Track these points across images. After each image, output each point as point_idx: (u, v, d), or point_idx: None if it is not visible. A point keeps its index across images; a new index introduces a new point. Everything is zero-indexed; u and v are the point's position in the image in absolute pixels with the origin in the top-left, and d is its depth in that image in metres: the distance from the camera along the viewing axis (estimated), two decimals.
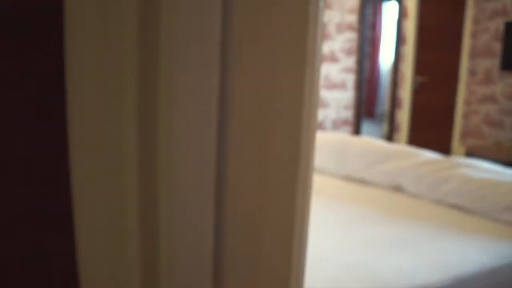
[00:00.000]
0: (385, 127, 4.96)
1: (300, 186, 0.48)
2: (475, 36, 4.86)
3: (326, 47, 4.32)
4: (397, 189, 2.25)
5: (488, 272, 1.63)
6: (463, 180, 2.01)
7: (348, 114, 4.60)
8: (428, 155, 2.29)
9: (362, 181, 2.40)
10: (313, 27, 0.44)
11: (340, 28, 4.33)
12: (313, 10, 0.44)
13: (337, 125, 4.57)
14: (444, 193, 2.06)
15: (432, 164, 2.17)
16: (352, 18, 4.36)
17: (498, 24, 4.54)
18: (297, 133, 0.46)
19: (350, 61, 4.46)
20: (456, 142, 5.08)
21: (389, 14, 5.93)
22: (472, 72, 4.94)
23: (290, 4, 0.43)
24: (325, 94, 4.44)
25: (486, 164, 2.17)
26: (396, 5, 4.60)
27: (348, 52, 4.43)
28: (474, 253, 1.68)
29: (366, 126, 5.33)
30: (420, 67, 4.69)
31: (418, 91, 4.74)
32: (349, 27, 4.37)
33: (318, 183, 2.40)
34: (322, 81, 4.39)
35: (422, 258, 1.64)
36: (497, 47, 4.51)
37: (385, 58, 6.04)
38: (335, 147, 2.57)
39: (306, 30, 0.44)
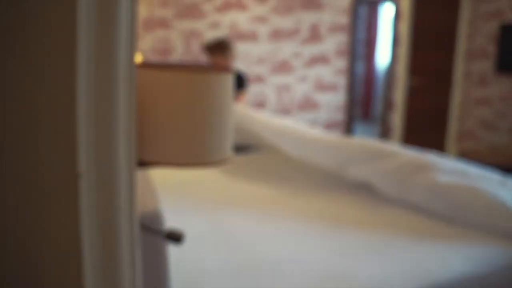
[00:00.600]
0: (379, 130, 4.90)
1: None
2: (470, 38, 4.80)
3: (317, 48, 4.27)
4: (368, 190, 2.20)
5: (466, 279, 1.57)
6: (431, 186, 1.96)
7: (340, 116, 4.54)
8: (402, 154, 2.18)
9: (336, 180, 2.33)
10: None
11: (331, 29, 4.28)
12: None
13: (328, 127, 4.51)
14: (416, 199, 2.01)
15: (405, 167, 2.09)
16: (344, 19, 4.30)
17: (493, 26, 4.48)
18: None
19: (342, 63, 4.40)
20: (450, 145, 5.01)
21: (385, 15, 5.88)
22: (467, 74, 4.88)
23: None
24: (316, 95, 4.38)
25: (460, 164, 2.10)
26: (392, 7, 4.54)
27: (340, 54, 4.38)
28: (451, 259, 1.62)
29: (360, 128, 5.27)
30: (414, 69, 4.62)
31: (412, 93, 4.68)
32: (341, 28, 4.32)
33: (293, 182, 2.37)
34: (312, 83, 4.34)
35: (397, 265, 1.59)
36: (492, 49, 4.45)
37: (381, 59, 5.99)
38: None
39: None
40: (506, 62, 4.26)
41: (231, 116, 0.99)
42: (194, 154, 0.92)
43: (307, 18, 4.16)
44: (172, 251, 1.24)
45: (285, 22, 4.09)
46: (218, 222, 1.91)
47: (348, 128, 4.57)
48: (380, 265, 1.59)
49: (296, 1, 4.08)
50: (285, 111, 4.29)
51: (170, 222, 1.29)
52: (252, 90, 4.14)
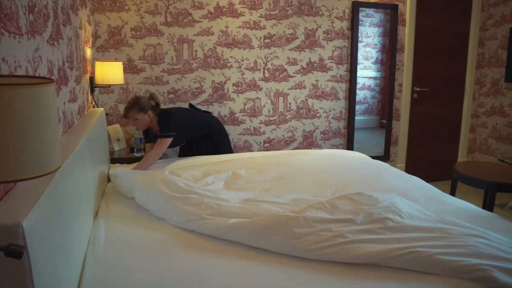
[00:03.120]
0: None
1: None
2: (482, 44, 4.52)
3: (314, 55, 4.15)
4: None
5: None
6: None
7: (340, 125, 4.39)
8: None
9: None
10: None
11: (330, 35, 4.15)
12: None
13: (327, 136, 4.37)
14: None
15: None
16: (343, 25, 4.17)
17: (506, 31, 4.19)
18: None
19: (341, 70, 4.26)
20: (462, 157, 4.72)
21: (385, 21, 5.66)
22: (478, 83, 4.59)
23: None
24: (314, 103, 4.26)
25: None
26: (393, 12, 4.35)
27: (339, 61, 4.24)
28: None
29: (364, 137, 5.08)
30: (419, 77, 4.41)
31: (417, 102, 4.46)
32: (340, 35, 4.18)
33: None
34: (310, 90, 4.22)
35: None
36: (505, 55, 4.16)
37: (384, 66, 5.75)
38: None
39: None
40: None
41: (50, 130, 0.95)
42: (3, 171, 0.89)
43: (303, 24, 4.06)
44: None
45: (279, 28, 4.01)
46: None
47: (349, 137, 4.40)
48: None
49: (291, 7, 3.99)
50: (281, 119, 4.20)
51: None
52: (247, 97, 4.09)
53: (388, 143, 4.54)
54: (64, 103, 2.24)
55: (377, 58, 4.83)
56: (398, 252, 1.79)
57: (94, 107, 3.22)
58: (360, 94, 4.86)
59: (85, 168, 2.12)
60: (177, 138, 3.06)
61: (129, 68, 3.75)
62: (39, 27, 1.79)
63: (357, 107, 4.93)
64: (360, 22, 4.65)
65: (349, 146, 4.41)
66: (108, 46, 3.67)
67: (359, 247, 1.85)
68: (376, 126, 5.46)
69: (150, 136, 3.23)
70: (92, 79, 3.16)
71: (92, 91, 3.18)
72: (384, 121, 4.60)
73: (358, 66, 4.86)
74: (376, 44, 5.44)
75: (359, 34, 4.69)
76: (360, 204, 2.14)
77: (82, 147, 2.07)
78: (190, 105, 3.60)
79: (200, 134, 3.27)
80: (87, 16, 3.14)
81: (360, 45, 4.71)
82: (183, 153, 3.46)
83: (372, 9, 4.47)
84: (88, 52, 3.15)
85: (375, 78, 4.84)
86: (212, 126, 3.35)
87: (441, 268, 1.72)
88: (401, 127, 4.51)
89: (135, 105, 2.94)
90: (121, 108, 3.81)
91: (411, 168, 4.52)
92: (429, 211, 2.24)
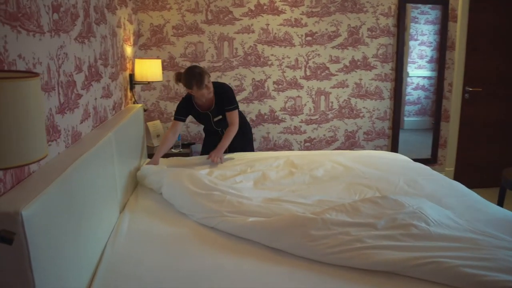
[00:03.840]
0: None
1: None
2: None
3: (358, 53, 4.01)
4: None
5: None
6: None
7: (385, 125, 4.21)
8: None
9: None
10: None
11: (375, 32, 3.99)
12: None
13: (370, 137, 4.21)
14: None
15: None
16: (388, 22, 3.99)
17: None
18: None
19: (387, 68, 4.08)
20: None
21: (435, 17, 5.34)
22: None
23: None
24: (357, 102, 4.12)
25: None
26: (443, 7, 4.10)
27: (384, 59, 4.06)
28: None
29: (415, 139, 4.84)
30: (472, 76, 4.11)
31: (469, 103, 4.16)
32: (385, 32, 4.01)
33: None
34: (352, 89, 4.08)
35: None
36: None
37: (432, 65, 5.43)
38: None
39: None
40: None
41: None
42: None
43: (346, 21, 3.93)
44: None
45: (321, 26, 3.92)
46: None
47: (394, 138, 4.21)
48: None
49: (334, 4, 3.89)
50: (322, 118, 4.11)
51: None
52: (287, 95, 4.04)
53: (436, 145, 4.29)
54: (96, 99, 2.33)
55: (432, 57, 4.58)
56: (417, 261, 1.68)
57: (134, 103, 3.32)
58: (414, 94, 4.65)
59: (111, 162, 2.19)
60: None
61: (171, 66, 3.84)
62: (66, 26, 1.87)
63: (410, 107, 4.71)
64: (415, 20, 4.43)
65: (394, 147, 4.22)
66: (151, 44, 3.78)
67: (377, 253, 1.76)
68: (429, 127, 5.17)
69: (189, 112, 3.09)
70: (132, 76, 3.27)
71: (131, 88, 3.29)
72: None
73: (413, 66, 4.64)
74: (432, 42, 5.15)
75: (414, 32, 4.48)
76: (384, 208, 2.03)
77: (108, 142, 2.14)
78: None
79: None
80: (127, 15, 3.25)
81: (414, 43, 4.50)
82: (208, 147, 3.33)
83: (427, 6, 4.25)
84: (129, 50, 3.26)
85: (429, 77, 4.60)
86: (243, 119, 3.31)
87: (464, 282, 1.59)
88: (451, 129, 4.24)
89: (202, 72, 2.82)
90: (163, 104, 3.91)
91: (461, 172, 4.24)
92: (462, 219, 2.08)
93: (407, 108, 4.70)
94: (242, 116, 3.36)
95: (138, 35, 3.73)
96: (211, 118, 3.09)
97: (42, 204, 1.31)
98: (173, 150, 3.53)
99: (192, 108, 3.05)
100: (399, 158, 3.30)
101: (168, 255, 1.86)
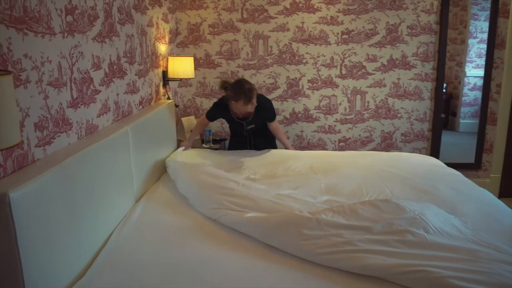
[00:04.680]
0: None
1: None
2: None
3: (397, 52, 3.87)
4: None
5: None
6: None
7: (424, 127, 4.03)
8: None
9: None
10: None
11: (414, 30, 3.83)
12: None
13: (408, 138, 4.06)
14: None
15: None
16: (430, 19, 3.80)
17: None
18: None
19: (427, 68, 3.90)
20: None
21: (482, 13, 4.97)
22: None
23: None
24: (394, 103, 3.99)
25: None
26: (492, 2, 3.83)
27: (425, 58, 3.89)
28: None
29: (466, 142, 4.57)
30: None
31: None
32: (426, 30, 3.83)
33: None
34: (390, 89, 3.95)
35: None
36: None
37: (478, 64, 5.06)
38: None
39: None
40: None
41: None
42: None
43: (384, 18, 3.81)
44: None
45: (358, 23, 3.83)
46: None
47: (434, 140, 4.02)
48: None
49: (371, 1, 3.78)
50: (358, 118, 4.03)
51: None
52: (322, 94, 4.01)
53: (480, 150, 4.04)
54: (118, 94, 2.49)
55: None
56: (406, 268, 1.64)
57: (168, 99, 3.48)
58: (470, 96, 4.41)
59: (126, 153, 2.33)
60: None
61: (207, 63, 3.96)
62: (82, 27, 2.02)
63: (466, 109, 4.47)
64: (475, 16, 4.19)
65: (434, 150, 4.03)
66: (188, 42, 3.93)
67: (366, 257, 1.73)
68: None
69: (221, 116, 3.32)
70: (165, 73, 3.43)
71: (164, 84, 3.45)
72: None
73: (470, 65, 4.39)
74: None
75: (473, 29, 4.23)
76: (383, 212, 1.98)
77: (124, 134, 2.29)
78: None
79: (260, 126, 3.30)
80: (162, 15, 3.41)
81: (473, 41, 4.26)
82: (235, 146, 3.46)
83: (488, 1, 3.99)
84: (163, 48, 3.42)
85: None
86: None
87: None
88: (498, 133, 3.96)
89: (254, 89, 2.98)
90: (198, 101, 4.05)
91: (508, 180, 3.96)
92: (470, 228, 1.97)
93: (463, 110, 4.46)
94: None
95: (175, 33, 3.89)
96: (245, 126, 3.18)
97: (34, 189, 1.45)
98: (203, 145, 3.65)
99: (227, 114, 3.18)
100: (430, 161, 3.16)
101: (164, 246, 1.95)
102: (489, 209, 2.28)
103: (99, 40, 2.22)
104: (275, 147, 3.45)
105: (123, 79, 2.57)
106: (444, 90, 4.59)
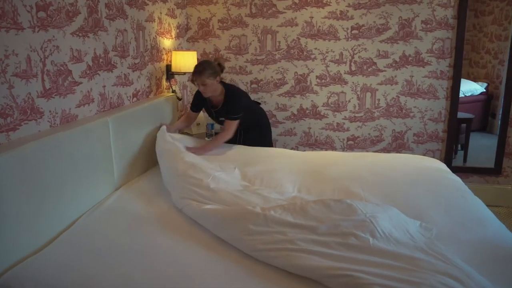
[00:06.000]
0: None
1: None
2: None
3: (410, 48, 3.71)
4: None
5: None
6: None
7: (438, 127, 3.83)
8: None
9: None
10: None
11: (429, 25, 3.64)
12: None
13: (421, 139, 3.88)
14: None
15: None
16: (447, 13, 3.60)
17: None
18: None
19: (443, 65, 3.70)
20: None
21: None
22: None
23: None
24: (407, 101, 3.82)
25: None
26: None
27: (440, 54, 3.69)
28: None
29: (479, 143, 4.29)
30: None
31: None
32: (443, 24, 3.63)
33: None
34: (402, 87, 3.79)
35: None
36: None
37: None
38: None
39: None
40: None
41: None
42: None
43: (397, 13, 3.66)
44: None
45: (369, 18, 3.71)
46: None
47: (449, 142, 3.82)
48: None
49: None
50: (367, 116, 3.91)
51: None
52: (330, 90, 3.94)
53: (500, 154, 3.77)
54: (104, 86, 2.61)
55: None
56: (334, 271, 1.61)
57: (173, 92, 3.58)
58: None
59: (106, 143, 2.45)
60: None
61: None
62: (58, 22, 2.14)
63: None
64: None
65: (449, 152, 3.83)
66: (198, 37, 4.00)
67: (301, 257, 1.72)
68: None
69: (201, 104, 3.22)
70: (169, 66, 3.52)
71: (168, 78, 3.55)
72: None
73: None
74: None
75: None
76: (333, 212, 1.94)
77: (102, 124, 2.40)
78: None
79: (250, 122, 3.28)
80: (167, 10, 3.50)
81: None
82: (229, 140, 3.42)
83: None
84: (167, 42, 3.52)
85: None
86: (262, 117, 3.36)
87: None
88: None
89: (208, 68, 2.89)
90: None
91: None
92: (428, 236, 1.88)
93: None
94: (263, 116, 3.39)
95: (186, 28, 3.98)
96: (217, 116, 3.20)
97: None
98: (206, 138, 3.72)
99: (204, 102, 3.19)
100: (433, 165, 2.98)
101: (125, 232, 2.04)
102: (466, 218, 2.14)
103: (80, 34, 2.34)
104: (269, 145, 3.44)
105: (112, 72, 2.69)
106: (484, 90, 4.34)
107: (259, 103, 3.61)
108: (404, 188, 2.47)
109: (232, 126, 3.06)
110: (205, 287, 1.63)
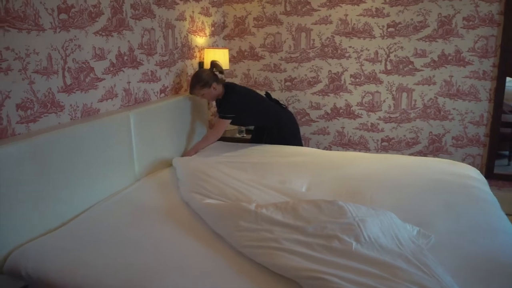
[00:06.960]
0: None
1: None
2: None
3: (449, 46, 3.51)
4: None
5: None
6: None
7: (480, 131, 3.60)
8: None
9: None
10: None
11: (472, 22, 3.42)
12: None
13: (461, 143, 3.66)
14: None
15: None
16: (492, 9, 3.35)
17: None
18: None
19: (486, 65, 3.46)
20: None
21: None
22: None
23: None
24: (445, 102, 3.63)
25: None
26: None
27: (484, 54, 3.45)
28: None
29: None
30: None
31: None
32: (487, 21, 3.39)
33: None
34: (440, 87, 3.60)
35: None
36: None
37: None
38: None
39: None
40: None
41: None
42: None
43: (436, 10, 3.48)
44: None
45: (406, 15, 3.56)
46: None
47: (491, 147, 3.57)
48: None
49: None
50: (403, 117, 3.77)
51: None
52: (365, 90, 3.84)
53: None
54: (129, 83, 2.77)
55: None
56: (309, 273, 1.61)
57: None
58: None
59: (128, 136, 2.60)
60: (238, 120, 3.19)
61: (251, 56, 4.07)
62: (80, 23, 2.32)
63: None
64: None
65: (490, 158, 3.58)
66: (234, 34, 4.08)
67: (282, 256, 1.73)
68: None
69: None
70: (201, 64, 3.64)
71: None
72: None
73: None
74: None
75: None
76: (322, 213, 1.92)
77: (124, 118, 2.55)
78: (267, 93, 3.47)
79: (268, 123, 3.28)
80: (200, 8, 3.61)
81: None
82: (255, 138, 3.48)
83: None
84: (200, 40, 3.63)
85: None
86: (280, 119, 3.28)
87: None
88: None
89: (198, 82, 3.01)
90: None
91: None
92: (421, 244, 1.81)
93: None
94: (281, 116, 3.31)
95: (222, 26, 4.07)
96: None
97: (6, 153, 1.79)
98: (237, 134, 3.80)
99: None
100: (461, 171, 2.80)
101: (132, 222, 2.15)
102: (471, 228, 2.02)
103: (103, 34, 2.51)
104: (286, 142, 3.33)
105: (137, 68, 2.85)
106: None
107: (283, 104, 3.47)
108: (415, 194, 2.37)
109: (220, 124, 3.12)
110: (189, 281, 1.68)
